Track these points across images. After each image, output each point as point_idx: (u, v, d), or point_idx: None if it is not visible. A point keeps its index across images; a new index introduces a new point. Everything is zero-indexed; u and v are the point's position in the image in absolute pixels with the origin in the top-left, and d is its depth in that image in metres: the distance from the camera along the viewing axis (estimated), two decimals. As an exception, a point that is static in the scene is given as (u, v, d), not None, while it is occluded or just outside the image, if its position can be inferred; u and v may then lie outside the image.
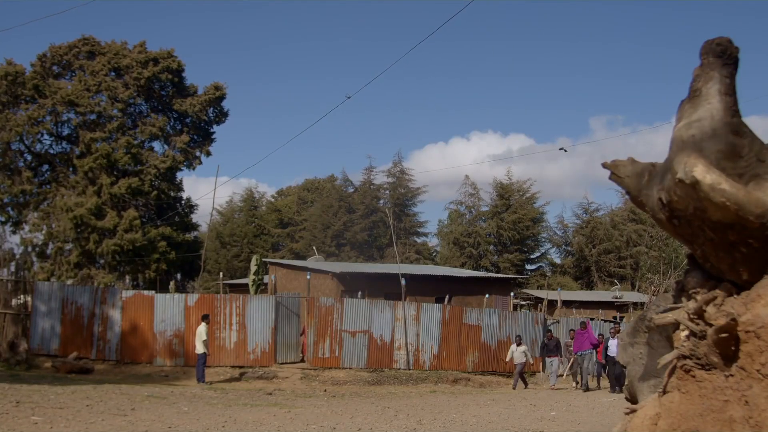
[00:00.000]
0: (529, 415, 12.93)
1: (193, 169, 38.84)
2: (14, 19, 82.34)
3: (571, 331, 22.77)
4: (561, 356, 22.04)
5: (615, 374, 19.89)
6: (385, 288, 26.48)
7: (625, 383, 3.77)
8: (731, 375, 2.73)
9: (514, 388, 21.22)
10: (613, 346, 20.03)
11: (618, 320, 30.99)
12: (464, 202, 58.28)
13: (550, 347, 22.05)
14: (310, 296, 22.62)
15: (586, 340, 21.02)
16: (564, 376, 22.35)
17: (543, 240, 59.28)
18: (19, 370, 18.25)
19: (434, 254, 60.17)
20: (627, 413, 3.40)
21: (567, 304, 33.71)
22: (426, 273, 31.59)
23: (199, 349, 18.19)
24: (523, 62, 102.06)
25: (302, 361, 21.66)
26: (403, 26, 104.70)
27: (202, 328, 18.43)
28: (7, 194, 34.97)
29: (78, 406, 10.91)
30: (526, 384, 21.69)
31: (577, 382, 21.36)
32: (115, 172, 35.15)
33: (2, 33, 72.24)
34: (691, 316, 2.91)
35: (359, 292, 24.45)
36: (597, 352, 21.16)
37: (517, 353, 21.61)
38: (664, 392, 3.08)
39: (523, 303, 37.18)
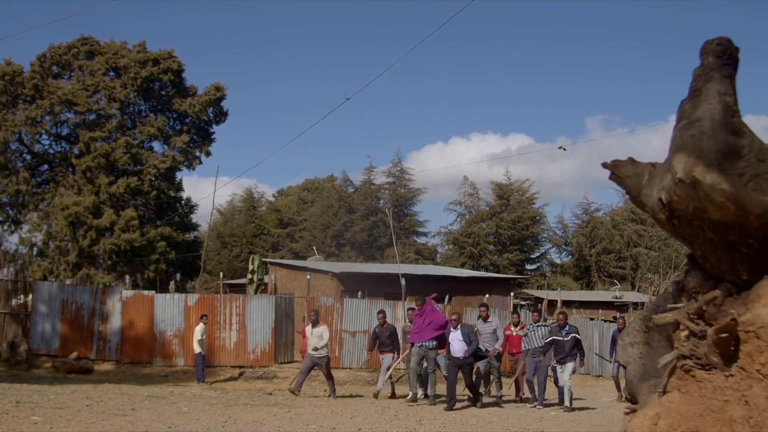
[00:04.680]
0: (529, 415, 12.95)
1: (193, 169, 38.91)
2: (14, 18, 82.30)
3: (410, 311, 15.56)
4: (396, 350, 15.36)
5: (468, 382, 13.45)
6: (385, 288, 26.49)
7: (625, 384, 3.78)
8: (731, 375, 2.73)
9: (296, 393, 14.36)
10: (454, 342, 13.01)
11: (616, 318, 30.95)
12: (463, 202, 58.38)
13: (382, 338, 15.11)
14: (310, 296, 22.61)
15: (427, 326, 13.51)
16: (386, 379, 15.25)
17: (543, 240, 59.39)
18: (19, 370, 18.25)
19: (434, 254, 60.22)
20: (627, 413, 3.40)
21: (567, 304, 33.72)
22: (426, 273, 31.60)
23: (196, 348, 18.21)
24: (522, 62, 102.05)
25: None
26: (403, 26, 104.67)
27: (198, 327, 18.45)
28: (5, 194, 34.97)
29: (78, 406, 10.91)
30: (299, 387, 14.56)
31: (421, 393, 14.29)
32: (114, 172, 35.15)
33: (1, 32, 72.21)
34: (691, 316, 2.91)
35: (359, 292, 24.45)
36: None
37: (312, 338, 14.69)
38: (664, 392, 3.08)
39: (523, 303, 37.23)
